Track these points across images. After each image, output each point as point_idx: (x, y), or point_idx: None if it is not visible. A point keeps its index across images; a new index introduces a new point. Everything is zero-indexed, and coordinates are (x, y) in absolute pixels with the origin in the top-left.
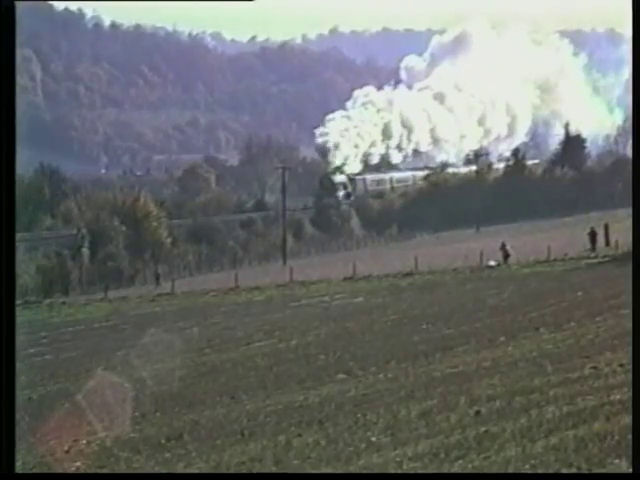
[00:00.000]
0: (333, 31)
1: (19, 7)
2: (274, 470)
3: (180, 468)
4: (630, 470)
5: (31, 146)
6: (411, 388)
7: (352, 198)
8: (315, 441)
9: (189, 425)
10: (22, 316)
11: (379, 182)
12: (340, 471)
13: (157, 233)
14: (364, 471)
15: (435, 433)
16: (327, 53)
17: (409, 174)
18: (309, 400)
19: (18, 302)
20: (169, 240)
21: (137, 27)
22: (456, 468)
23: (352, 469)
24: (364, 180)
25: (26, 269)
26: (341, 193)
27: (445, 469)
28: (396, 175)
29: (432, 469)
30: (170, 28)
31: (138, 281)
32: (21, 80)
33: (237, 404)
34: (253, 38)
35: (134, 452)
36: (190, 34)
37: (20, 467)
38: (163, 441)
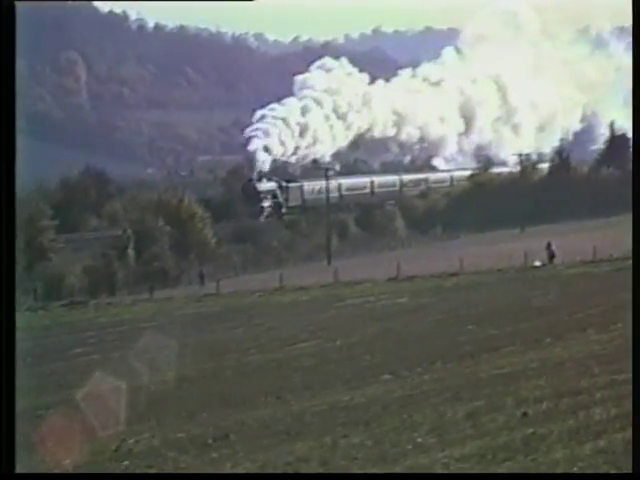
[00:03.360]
0: (376, 31)
1: (65, 10)
2: (321, 471)
3: (227, 468)
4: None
5: (76, 148)
6: (457, 389)
7: (283, 210)
8: (361, 442)
9: (235, 425)
10: (69, 316)
11: (320, 190)
12: (387, 471)
13: (202, 234)
14: (411, 471)
15: (482, 434)
16: (369, 53)
17: (366, 180)
18: (355, 400)
19: (65, 302)
20: (214, 240)
21: (181, 28)
22: (503, 469)
23: (399, 470)
24: (301, 188)
25: (72, 270)
26: (267, 204)
27: (492, 470)
28: (345, 182)
29: (479, 470)
30: (214, 29)
31: (183, 281)
32: (67, 82)
33: (283, 404)
34: (296, 38)
35: (181, 452)
36: (233, 35)
37: (69, 465)
38: (210, 441)
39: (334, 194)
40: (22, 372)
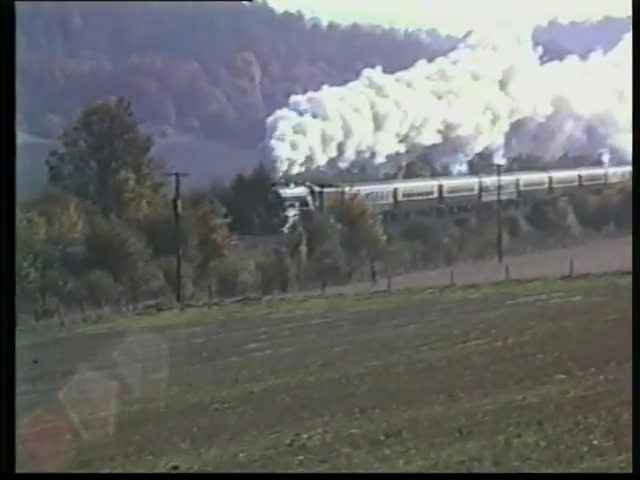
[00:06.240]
0: (552, 23)
1: (243, 12)
2: (493, 471)
3: (400, 465)
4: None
5: (249, 146)
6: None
7: (316, 219)
8: (535, 442)
9: (407, 422)
10: (242, 312)
11: (369, 196)
12: (562, 472)
13: (372, 231)
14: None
15: None
16: (544, 46)
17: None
18: (527, 400)
19: (238, 298)
20: (384, 238)
21: (354, 26)
22: None
23: (575, 472)
24: (341, 194)
25: (246, 266)
26: (292, 213)
27: None
28: (402, 186)
29: None
30: (387, 26)
31: (354, 278)
32: (241, 82)
33: (454, 402)
34: (468, 33)
35: (354, 447)
36: (406, 31)
37: (244, 458)
38: (382, 437)
39: (388, 200)
40: (198, 367)
